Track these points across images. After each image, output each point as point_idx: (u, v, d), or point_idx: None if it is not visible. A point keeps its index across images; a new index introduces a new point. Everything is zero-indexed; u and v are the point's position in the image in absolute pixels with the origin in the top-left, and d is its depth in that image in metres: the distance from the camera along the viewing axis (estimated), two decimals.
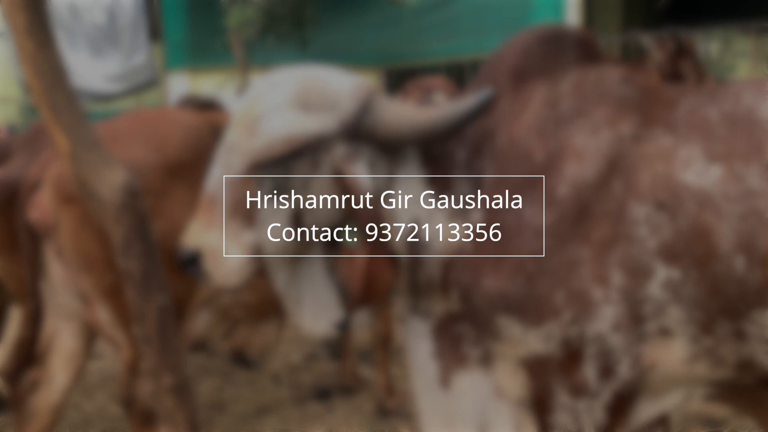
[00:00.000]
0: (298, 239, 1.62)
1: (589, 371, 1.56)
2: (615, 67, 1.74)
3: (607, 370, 1.57)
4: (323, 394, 3.67)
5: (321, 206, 1.61)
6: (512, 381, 1.70)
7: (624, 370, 1.57)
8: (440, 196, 1.66)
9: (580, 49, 1.71)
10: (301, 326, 1.75)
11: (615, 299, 1.52)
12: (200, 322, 2.63)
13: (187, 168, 2.39)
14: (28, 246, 2.40)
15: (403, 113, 1.59)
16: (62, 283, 2.48)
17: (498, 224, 1.58)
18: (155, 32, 9.21)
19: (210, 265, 1.57)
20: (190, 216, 2.40)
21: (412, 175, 1.67)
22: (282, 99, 1.55)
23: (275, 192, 1.56)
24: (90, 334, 2.62)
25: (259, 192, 1.55)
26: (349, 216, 1.60)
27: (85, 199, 0.96)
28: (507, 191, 1.58)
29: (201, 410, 3.53)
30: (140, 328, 1.01)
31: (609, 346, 1.54)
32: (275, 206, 1.56)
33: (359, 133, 1.58)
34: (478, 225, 1.61)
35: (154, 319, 0.99)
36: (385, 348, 3.42)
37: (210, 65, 8.39)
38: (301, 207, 1.59)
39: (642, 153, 1.56)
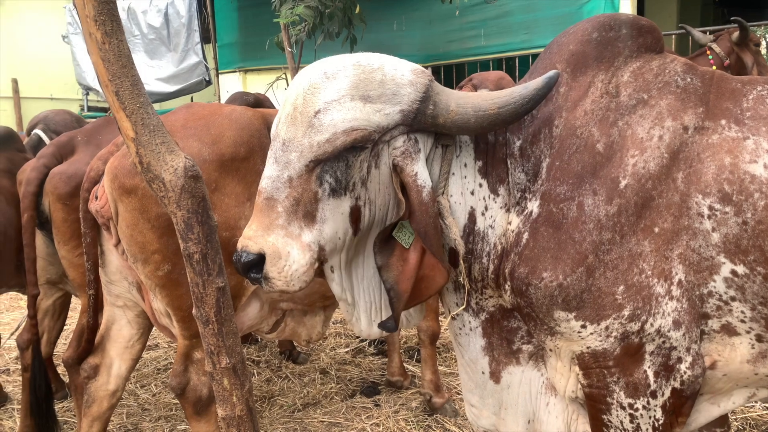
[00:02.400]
0: (356, 238, 1.58)
1: (648, 369, 1.51)
2: (678, 56, 1.68)
3: (667, 369, 1.51)
4: (371, 389, 3.68)
5: (380, 203, 1.57)
6: (565, 377, 1.66)
7: (684, 369, 1.51)
8: (496, 187, 1.63)
9: (641, 37, 1.65)
10: (356, 329, 1.72)
11: (677, 294, 1.47)
12: (251, 313, 2.67)
13: (240, 162, 2.43)
14: (88, 236, 2.49)
15: (468, 99, 1.52)
16: (119, 272, 2.57)
17: (556, 215, 1.53)
18: (207, 35, 9.43)
19: (272, 270, 1.48)
20: (243, 212, 2.50)
21: (466, 165, 1.64)
22: (341, 90, 1.47)
23: (336, 189, 1.49)
24: (146, 323, 2.70)
25: (319, 190, 1.48)
26: (405, 212, 1.53)
27: (148, 183, 0.98)
28: (567, 181, 1.54)
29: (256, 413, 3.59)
30: (199, 309, 1.02)
31: (670, 344, 1.49)
32: (336, 204, 1.50)
33: (420, 123, 1.52)
34: (536, 215, 1.56)
35: (213, 301, 1.01)
36: (433, 344, 3.40)
37: (260, 66, 8.53)
38: (362, 204, 1.54)
39: (707, 144, 1.50)
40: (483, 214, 1.63)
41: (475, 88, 3.29)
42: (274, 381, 3.86)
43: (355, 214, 1.54)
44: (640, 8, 7.21)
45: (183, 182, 0.95)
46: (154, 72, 9.42)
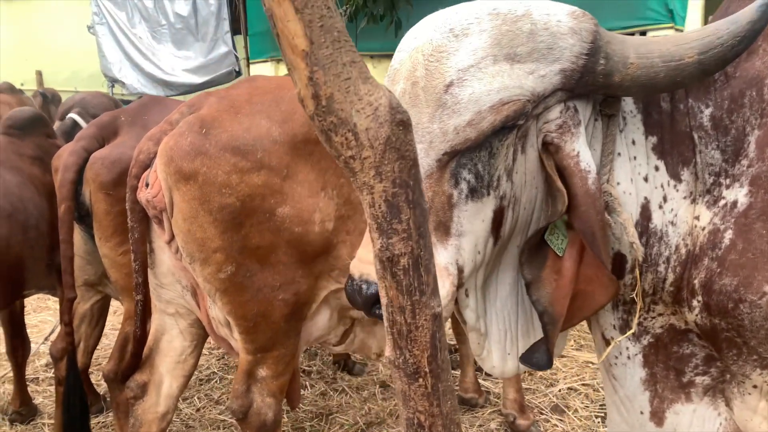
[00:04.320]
0: (496, 250, 1.25)
1: None
2: None
3: None
4: None
5: (525, 200, 1.22)
6: (766, 424, 1.30)
7: None
8: (677, 170, 1.26)
9: None
10: (487, 365, 1.37)
11: None
12: (320, 322, 2.30)
13: (313, 145, 2.05)
14: (136, 232, 2.11)
15: (652, 46, 1.16)
16: (172, 275, 2.21)
17: None
18: (237, 24, 9.13)
19: None
20: (318, 204, 2.11)
21: (635, 143, 1.27)
22: (478, 50, 1.12)
23: (477, 188, 1.15)
24: (200, 334, 2.33)
25: (455, 191, 1.15)
26: (561, 209, 1.18)
27: (324, 133, 0.57)
28: None
29: (305, 419, 3.20)
30: (404, 352, 0.63)
31: None
32: (477, 209, 1.17)
33: (587, 84, 1.16)
34: (743, 207, 1.19)
35: (428, 338, 0.61)
36: None
37: None
38: (506, 204, 1.19)
39: None
40: (661, 206, 1.27)
41: None
42: (330, 395, 3.46)
43: (497, 219, 1.19)
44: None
45: (388, 132, 0.54)
46: (182, 63, 9.18)
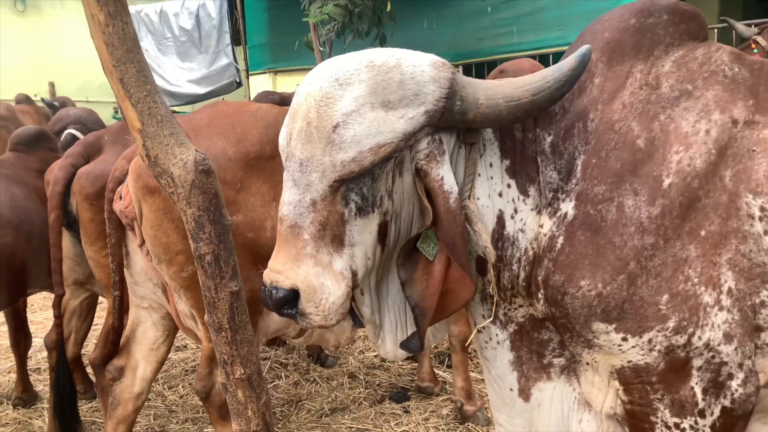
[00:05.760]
0: (384, 255, 1.46)
1: (695, 386, 1.38)
2: (723, 45, 1.54)
3: (716, 386, 1.38)
4: (400, 394, 3.58)
5: (404, 214, 1.45)
6: (603, 393, 1.53)
7: (736, 387, 1.38)
8: (526, 187, 1.49)
9: (684, 24, 1.51)
10: (381, 351, 1.59)
11: (727, 304, 1.34)
12: (276, 317, 2.59)
13: (265, 161, 2.36)
14: (113, 237, 2.45)
15: (497, 89, 1.38)
16: (144, 273, 2.53)
17: (594, 217, 1.40)
18: (238, 36, 9.48)
19: (308, 305, 1.38)
20: (269, 212, 2.43)
21: (492, 165, 1.50)
22: (358, 98, 1.32)
23: (364, 207, 1.37)
24: (171, 326, 2.65)
25: (345, 210, 1.36)
26: (428, 223, 1.39)
27: (156, 178, 0.90)
28: (605, 180, 1.40)
29: (277, 405, 3.53)
30: (211, 315, 0.95)
31: (720, 359, 1.36)
32: (364, 223, 1.38)
33: (447, 121, 1.38)
34: (571, 218, 1.43)
35: (227, 307, 0.93)
36: (465, 350, 3.29)
37: (290, 66, 8.51)
38: (389, 218, 1.41)
39: (757, 139, 1.37)
40: (512, 217, 1.50)
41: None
42: (302, 384, 3.79)
43: (383, 231, 1.41)
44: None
45: (193, 177, 0.87)
46: (186, 74, 9.52)
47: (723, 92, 1.42)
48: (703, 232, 1.35)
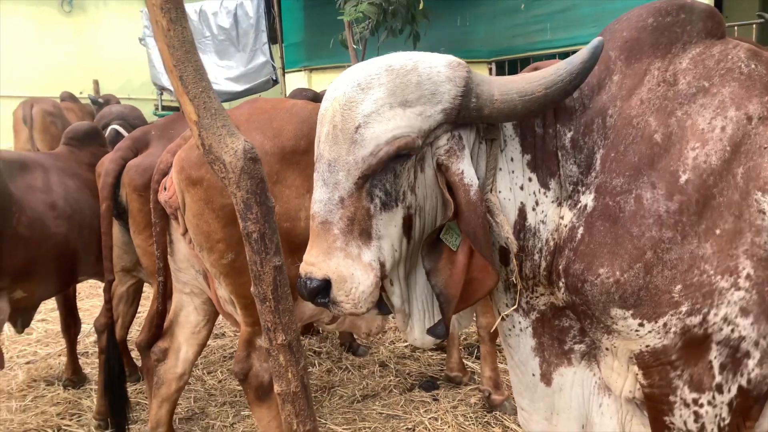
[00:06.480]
0: (411, 247, 1.53)
1: (714, 360, 1.43)
2: (741, 41, 1.58)
3: (734, 362, 1.43)
4: (429, 383, 3.68)
5: (428, 208, 1.52)
6: (623, 377, 1.60)
7: (752, 366, 1.43)
8: (546, 181, 1.56)
9: (701, 22, 1.56)
10: (410, 338, 1.66)
11: (745, 286, 1.39)
12: (310, 305, 2.71)
13: (300, 155, 2.47)
14: (157, 226, 2.60)
15: (511, 85, 1.45)
16: (187, 261, 2.67)
17: (613, 209, 1.46)
18: (274, 34, 9.65)
19: (340, 294, 1.46)
20: (303, 203, 2.54)
21: (513, 160, 1.57)
22: (378, 100, 1.42)
23: (387, 201, 1.45)
24: (212, 310, 2.79)
25: (371, 206, 1.44)
26: (452, 213, 1.47)
27: (210, 164, 1.02)
28: (623, 173, 1.46)
29: (311, 391, 3.65)
30: (257, 287, 1.06)
31: (738, 332, 1.41)
32: (389, 217, 1.46)
33: (465, 118, 1.46)
34: (590, 209, 1.50)
35: (270, 279, 1.04)
36: (493, 341, 3.37)
37: (325, 64, 8.66)
38: (413, 212, 1.50)
39: None
40: (534, 209, 1.56)
41: None
42: (335, 372, 3.92)
43: (407, 224, 1.50)
44: (718, 1, 6.86)
45: (242, 164, 0.99)
46: (224, 72, 9.69)
47: (739, 89, 1.46)
48: (718, 231, 1.40)
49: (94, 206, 3.19)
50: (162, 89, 10.35)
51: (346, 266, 1.45)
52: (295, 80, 9.09)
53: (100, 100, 8.12)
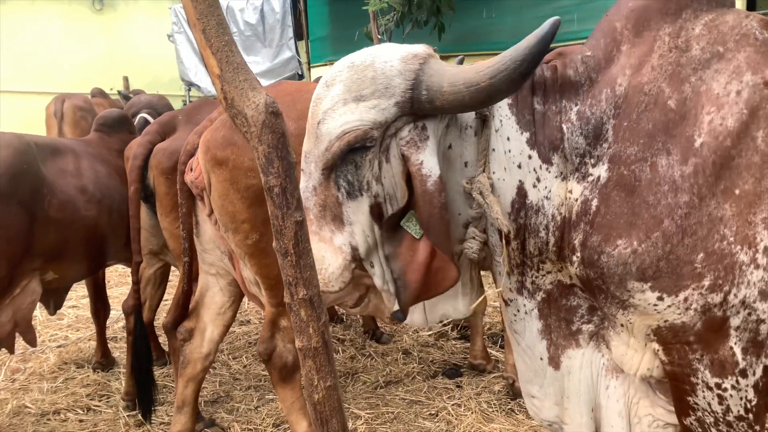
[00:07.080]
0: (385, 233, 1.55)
1: (735, 345, 1.39)
2: (752, 13, 1.53)
3: (756, 345, 1.39)
4: (453, 371, 3.67)
5: (399, 196, 1.53)
6: (640, 354, 1.55)
7: None
8: (549, 156, 1.53)
9: None
10: (387, 317, 1.71)
11: (763, 263, 1.35)
12: None
13: None
14: (183, 207, 2.64)
15: (459, 75, 1.42)
16: (213, 242, 2.71)
17: (628, 178, 1.43)
18: (300, 30, 9.73)
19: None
20: None
21: (510, 139, 1.54)
22: (335, 97, 1.49)
23: (351, 191, 1.51)
24: (237, 291, 2.82)
25: (338, 194, 1.52)
26: (404, 202, 1.50)
27: (231, 118, 1.04)
28: (637, 141, 1.43)
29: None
30: (279, 242, 1.07)
31: (757, 316, 1.37)
32: (357, 205, 1.52)
33: (421, 109, 1.47)
34: (605, 180, 1.46)
35: (292, 234, 1.05)
36: None
37: None
38: (382, 200, 1.53)
39: None
40: (535, 186, 1.54)
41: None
42: (358, 359, 3.93)
43: (376, 212, 1.53)
44: None
45: (264, 117, 1.00)
46: (251, 67, 9.68)
47: (755, 54, 1.42)
48: (737, 191, 1.36)
49: (123, 192, 3.24)
50: (190, 85, 10.51)
51: (318, 249, 1.52)
52: (321, 74, 9.14)
53: (130, 95, 8.27)
